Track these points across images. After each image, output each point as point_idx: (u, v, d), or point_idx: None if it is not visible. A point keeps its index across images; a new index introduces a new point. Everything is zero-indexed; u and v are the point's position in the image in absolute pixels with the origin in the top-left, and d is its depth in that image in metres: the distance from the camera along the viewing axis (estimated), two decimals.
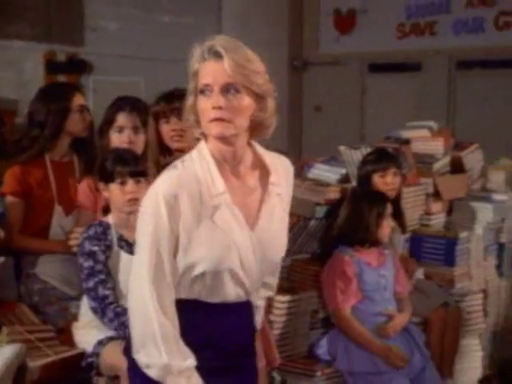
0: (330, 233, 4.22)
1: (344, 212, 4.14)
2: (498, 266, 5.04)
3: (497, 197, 5.13)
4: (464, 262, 4.76)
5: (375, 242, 4.07)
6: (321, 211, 4.38)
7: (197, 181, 2.46)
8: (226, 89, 2.41)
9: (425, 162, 4.98)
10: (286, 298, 3.98)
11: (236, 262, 2.47)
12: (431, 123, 5.25)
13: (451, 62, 9.19)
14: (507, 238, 5.10)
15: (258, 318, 2.72)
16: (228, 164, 2.50)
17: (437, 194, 4.90)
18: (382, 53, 9.70)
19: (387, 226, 4.09)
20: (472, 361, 4.53)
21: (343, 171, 4.91)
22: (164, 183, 2.44)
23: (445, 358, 4.30)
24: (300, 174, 4.87)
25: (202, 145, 2.51)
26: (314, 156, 5.49)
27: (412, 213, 4.76)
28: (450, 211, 5.00)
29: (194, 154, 2.52)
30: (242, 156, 2.51)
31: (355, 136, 9.28)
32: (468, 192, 5.08)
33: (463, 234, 4.77)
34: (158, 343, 2.40)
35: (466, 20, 8.83)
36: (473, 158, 5.21)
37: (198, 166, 2.49)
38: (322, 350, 4.07)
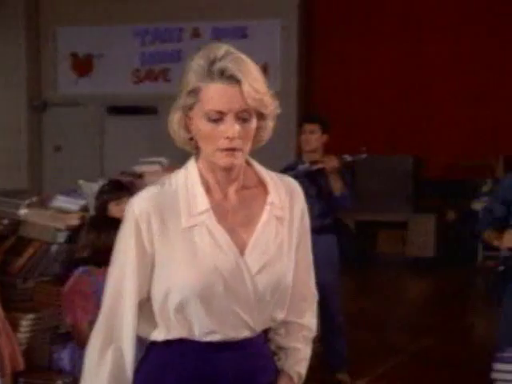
0: (71, 256, 4.63)
1: (84, 237, 4.56)
2: None
3: None
4: None
5: None
6: (62, 236, 4.78)
7: (176, 198, 2.26)
8: (240, 116, 2.21)
9: None
10: (30, 316, 4.37)
11: (219, 288, 2.23)
12: (162, 159, 5.82)
13: None
14: None
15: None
16: (220, 184, 2.29)
17: None
18: (120, 96, 10.21)
19: None
20: None
21: (83, 202, 5.33)
22: (139, 199, 2.27)
23: None
24: (43, 204, 5.24)
25: (191, 163, 2.31)
26: (55, 192, 5.86)
27: None
28: None
29: (180, 171, 2.33)
30: (237, 177, 2.30)
31: (95, 172, 9.68)
32: None
33: None
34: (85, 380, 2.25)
35: None
36: None
37: (181, 182, 2.30)
38: (63, 361, 4.46)
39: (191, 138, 2.28)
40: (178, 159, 8.65)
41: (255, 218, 2.30)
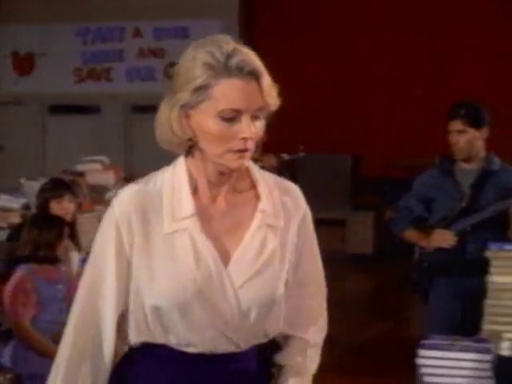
0: (12, 254, 4.69)
1: (25, 235, 4.63)
2: None
3: None
4: None
5: (54, 260, 4.60)
6: (3, 234, 4.84)
7: (159, 199, 2.10)
8: (256, 114, 2.04)
9: (98, 192, 5.62)
10: None
11: (198, 302, 2.07)
12: (103, 158, 5.91)
13: (127, 106, 9.90)
14: None
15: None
16: (210, 187, 2.12)
17: None
18: (62, 95, 10.23)
19: (64, 246, 4.64)
20: None
21: (24, 200, 5.40)
22: (120, 199, 2.12)
23: None
24: None
25: (180, 161, 2.14)
26: None
27: (88, 236, 5.35)
28: None
29: (167, 169, 2.16)
30: (230, 179, 2.12)
31: (37, 171, 9.69)
32: None
33: None
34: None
35: (139, 68, 9.63)
36: None
37: (167, 182, 2.12)
38: (4, 358, 4.52)
39: (189, 139, 2.07)
40: (119, 157, 8.74)
41: (244, 226, 2.12)
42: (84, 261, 5.32)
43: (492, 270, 3.82)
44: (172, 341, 2.09)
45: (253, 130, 2.02)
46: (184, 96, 2.03)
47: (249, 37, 9.43)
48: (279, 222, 2.14)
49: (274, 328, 2.17)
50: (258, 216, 2.11)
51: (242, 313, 2.09)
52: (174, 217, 2.08)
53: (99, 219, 5.52)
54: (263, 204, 2.12)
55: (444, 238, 4.93)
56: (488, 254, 3.86)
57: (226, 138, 2.01)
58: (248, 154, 2.04)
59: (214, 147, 2.03)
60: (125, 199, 2.11)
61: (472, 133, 4.95)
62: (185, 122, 2.05)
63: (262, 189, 2.14)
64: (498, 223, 4.90)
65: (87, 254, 5.31)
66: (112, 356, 2.13)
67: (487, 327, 3.77)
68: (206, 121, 2.03)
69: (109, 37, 9.67)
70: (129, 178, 5.96)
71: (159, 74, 9.60)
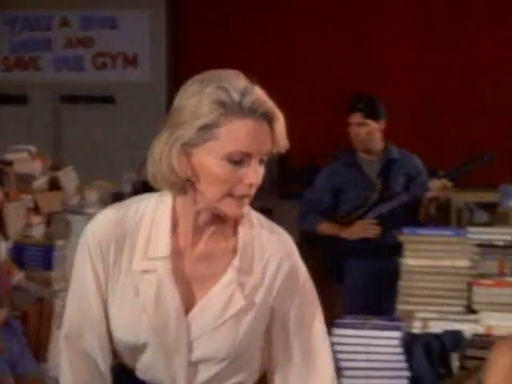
0: None
1: None
2: None
3: (90, 211, 5.94)
4: (60, 267, 5.50)
5: None
6: None
7: (137, 231, 2.00)
8: (262, 158, 1.94)
9: (25, 181, 5.67)
10: None
11: (151, 347, 2.00)
12: (30, 147, 5.95)
13: (55, 96, 9.88)
14: None
15: None
16: (192, 231, 2.01)
17: (36, 208, 5.61)
18: None
19: None
20: None
21: None
22: (98, 224, 2.03)
23: (41, 346, 4.99)
24: None
25: (168, 197, 2.02)
26: None
27: (15, 225, 5.41)
28: (49, 223, 5.73)
29: (153, 198, 2.05)
30: (219, 227, 2.02)
31: None
32: (64, 206, 5.85)
33: (60, 243, 5.51)
34: None
35: (67, 58, 9.63)
36: (68, 178, 5.99)
37: (147, 216, 2.01)
38: None
39: (187, 179, 1.94)
40: (47, 147, 8.75)
41: (215, 278, 2.00)
42: (11, 249, 5.40)
43: (405, 253, 4.02)
44: (138, 372, 2.06)
45: (260, 175, 1.91)
46: (188, 133, 1.89)
47: (177, 27, 9.51)
48: (252, 280, 2.01)
49: (242, 378, 2.05)
50: (230, 271, 2.00)
51: (190, 367, 2.00)
52: (146, 255, 1.97)
53: (26, 208, 5.62)
54: (237, 260, 2.00)
55: (367, 228, 5.13)
56: (401, 238, 4.07)
57: (230, 181, 1.90)
58: (248, 201, 1.94)
59: (215, 190, 1.91)
60: (101, 228, 2.01)
61: (371, 125, 5.25)
62: (184, 161, 1.92)
63: (241, 241, 2.01)
64: (411, 208, 5.14)
65: (14, 242, 5.40)
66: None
67: (401, 307, 3.97)
68: (210, 162, 1.89)
69: (36, 26, 9.64)
70: (56, 167, 6.02)
71: (87, 64, 9.60)
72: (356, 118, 5.25)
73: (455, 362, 3.19)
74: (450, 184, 5.17)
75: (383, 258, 4.99)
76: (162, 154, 1.94)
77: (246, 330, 2.01)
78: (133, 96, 9.32)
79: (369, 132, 5.22)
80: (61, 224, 5.72)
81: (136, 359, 2.05)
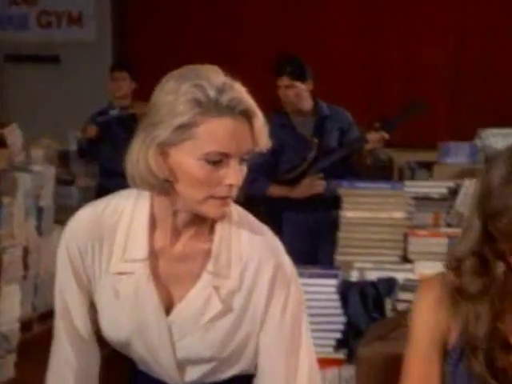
0: None
1: None
2: (38, 227, 5.87)
3: (36, 168, 5.99)
4: (8, 224, 5.55)
5: None
6: None
7: (114, 231, 1.96)
8: (243, 157, 1.88)
9: None
10: None
11: (136, 347, 2.01)
12: None
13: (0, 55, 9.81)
14: (45, 202, 5.98)
15: None
16: (171, 231, 1.97)
17: None
18: None
19: None
20: (12, 303, 5.31)
21: None
22: (76, 225, 2.00)
23: None
24: None
25: (146, 197, 1.97)
26: None
27: None
28: None
29: (131, 197, 1.99)
30: (206, 227, 1.97)
31: None
32: (11, 164, 5.89)
33: (6, 200, 5.56)
34: None
35: (11, 16, 9.56)
36: (13, 135, 6.02)
37: (125, 216, 1.97)
38: None
39: (166, 179, 1.87)
40: None
41: (193, 279, 1.96)
42: None
43: (344, 205, 4.16)
44: (138, 365, 2.07)
45: (241, 176, 1.86)
46: (164, 133, 1.83)
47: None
48: (230, 284, 1.95)
49: (233, 371, 2.02)
50: (204, 275, 1.95)
51: (179, 365, 1.99)
52: (123, 257, 1.94)
53: None
54: (212, 263, 1.94)
55: (314, 185, 5.29)
56: (340, 191, 4.20)
57: (210, 182, 1.84)
58: (230, 202, 1.88)
59: (195, 192, 1.86)
60: (78, 228, 1.98)
61: (299, 86, 5.45)
62: (161, 161, 1.86)
63: (216, 243, 1.95)
64: (348, 161, 5.34)
65: None
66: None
67: (339, 258, 4.13)
68: (187, 162, 1.84)
69: None
70: (1, 125, 6.04)
71: (32, 23, 9.54)
72: (284, 81, 5.47)
73: (388, 306, 3.34)
74: (387, 135, 5.38)
75: (320, 211, 5.16)
76: (140, 155, 1.87)
77: (225, 334, 1.96)
78: (78, 55, 9.30)
79: (297, 93, 5.44)
80: (7, 181, 5.75)
81: (128, 354, 2.05)
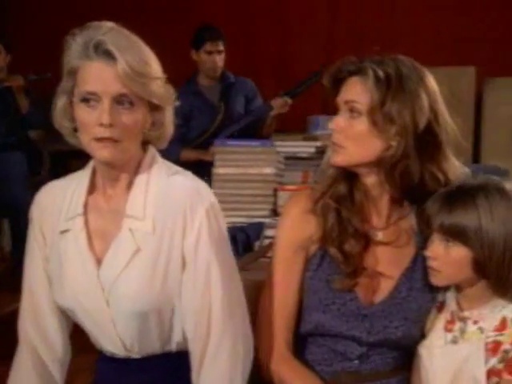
0: None
1: None
2: None
3: None
4: None
5: None
6: None
7: (63, 196, 2.11)
8: (118, 101, 1.95)
9: None
10: None
11: (79, 305, 2.07)
12: None
13: None
14: None
15: None
16: (103, 183, 2.09)
17: None
18: None
19: None
20: None
21: None
22: (38, 195, 2.17)
23: None
24: None
25: (91, 162, 2.14)
26: None
27: None
28: None
29: (82, 171, 2.16)
30: (120, 176, 2.07)
31: None
32: None
33: None
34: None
35: None
36: None
37: (75, 178, 2.14)
38: None
39: (75, 129, 2.02)
40: None
41: (117, 227, 2.05)
42: None
43: (216, 163, 4.29)
44: (103, 350, 2.16)
45: (111, 116, 1.91)
46: (63, 83, 2.02)
47: None
48: (143, 226, 2.01)
49: (170, 338, 2.07)
50: (124, 220, 2.04)
51: (114, 320, 2.03)
52: (67, 215, 2.07)
53: None
54: (129, 208, 2.03)
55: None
56: (212, 149, 4.34)
57: (88, 124, 1.95)
58: (114, 145, 1.93)
59: (83, 136, 1.98)
60: (39, 197, 2.14)
61: (224, 51, 5.85)
62: (69, 110, 2.02)
63: (133, 188, 2.04)
64: (257, 128, 5.69)
65: None
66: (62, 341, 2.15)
67: None
68: (76, 107, 1.98)
69: None
70: None
71: None
72: (220, 46, 5.78)
73: (256, 248, 3.47)
74: (290, 100, 5.74)
75: None
76: (53, 105, 2.06)
77: (146, 277, 2.01)
78: None
79: (222, 59, 5.81)
80: None
81: (81, 325, 2.14)
